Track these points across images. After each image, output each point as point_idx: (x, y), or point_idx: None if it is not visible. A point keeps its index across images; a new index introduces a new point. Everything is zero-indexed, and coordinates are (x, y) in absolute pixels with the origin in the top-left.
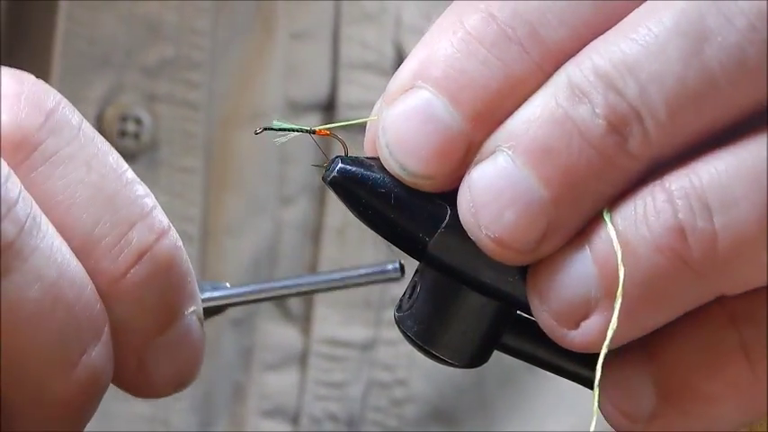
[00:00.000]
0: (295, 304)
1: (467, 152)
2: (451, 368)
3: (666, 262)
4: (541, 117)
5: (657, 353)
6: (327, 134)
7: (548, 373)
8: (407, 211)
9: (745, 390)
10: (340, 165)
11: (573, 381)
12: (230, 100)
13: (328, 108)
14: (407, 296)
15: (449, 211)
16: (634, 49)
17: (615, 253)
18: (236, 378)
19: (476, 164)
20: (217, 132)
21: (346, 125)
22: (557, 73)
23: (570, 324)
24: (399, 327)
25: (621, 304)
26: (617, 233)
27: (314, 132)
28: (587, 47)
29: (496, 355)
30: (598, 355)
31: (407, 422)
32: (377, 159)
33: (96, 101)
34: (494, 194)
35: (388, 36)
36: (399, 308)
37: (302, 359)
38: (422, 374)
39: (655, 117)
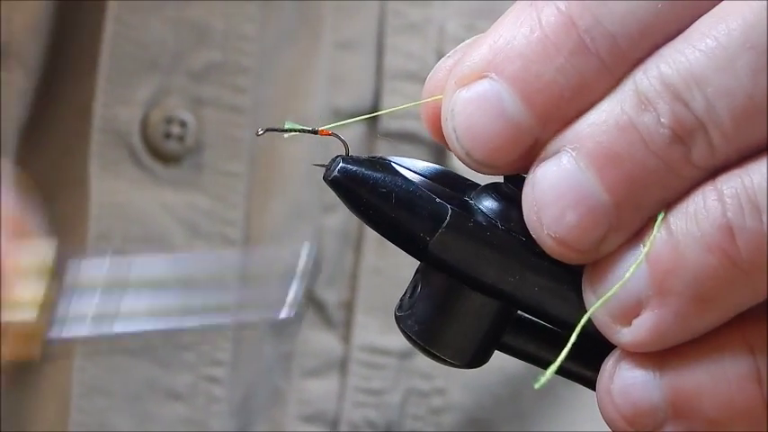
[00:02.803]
0: (335, 312)
1: (532, 147)
2: (488, 377)
3: (715, 261)
4: (607, 122)
5: (671, 370)
6: (329, 134)
7: (585, 388)
8: (408, 210)
9: (756, 420)
10: (341, 164)
11: (575, 381)
12: (276, 106)
13: (372, 116)
14: (408, 296)
15: (450, 211)
16: (702, 61)
17: (667, 253)
18: (275, 383)
19: (540, 161)
20: (262, 138)
21: (352, 122)
22: (625, 79)
23: (623, 321)
24: (400, 326)
25: (672, 304)
26: (671, 233)
27: (316, 132)
28: (656, 53)
29: (534, 368)
30: (600, 356)
31: (445, 431)
32: (378, 158)
33: (142, 103)
34: (556, 195)
35: (432, 46)
36: (400, 307)
37: (342, 366)
38: (460, 384)
39: (720, 130)
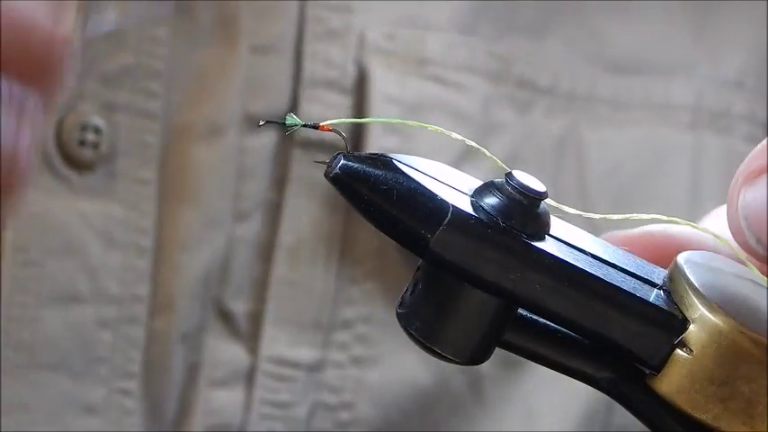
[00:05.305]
0: (243, 322)
1: None
2: (397, 392)
3: None
4: None
5: None
6: (329, 129)
7: (496, 404)
8: (409, 208)
9: None
10: (342, 161)
11: (574, 378)
12: (187, 111)
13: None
14: (409, 293)
15: (451, 209)
16: None
17: None
18: (183, 393)
19: None
20: (172, 144)
21: (352, 122)
22: None
23: None
24: (401, 323)
25: None
26: None
27: (317, 127)
28: None
29: (445, 384)
30: (599, 355)
31: None
32: (380, 156)
33: (56, 109)
34: None
35: (351, 54)
36: (401, 305)
37: (249, 377)
38: (368, 398)
39: None
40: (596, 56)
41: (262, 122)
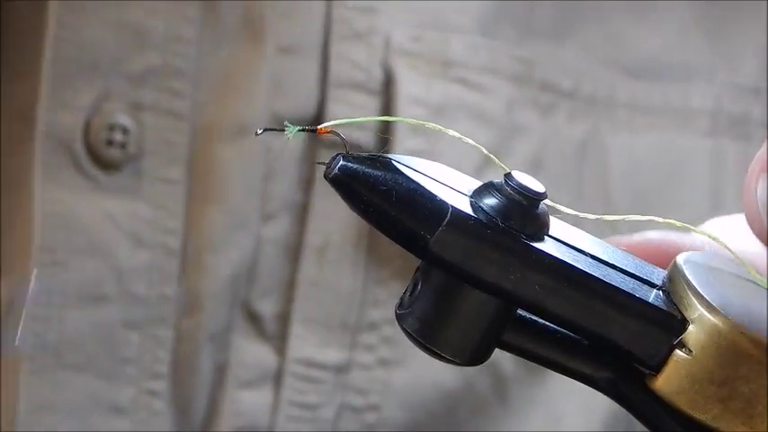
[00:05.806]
0: (271, 323)
1: None
2: (423, 394)
3: None
4: None
5: None
6: (328, 132)
7: (520, 406)
8: (409, 208)
9: None
10: (342, 162)
11: (573, 378)
12: (214, 111)
13: (315, 125)
14: (408, 294)
15: (450, 209)
16: None
17: None
18: (211, 394)
19: None
20: (199, 144)
21: (350, 122)
22: None
23: None
24: (400, 324)
25: None
26: None
27: (315, 131)
28: None
29: (470, 385)
30: (599, 355)
31: None
32: (379, 157)
33: (84, 108)
34: None
35: (377, 56)
36: (400, 305)
37: (276, 378)
38: (394, 400)
39: None
40: (615, 60)
41: (259, 131)
